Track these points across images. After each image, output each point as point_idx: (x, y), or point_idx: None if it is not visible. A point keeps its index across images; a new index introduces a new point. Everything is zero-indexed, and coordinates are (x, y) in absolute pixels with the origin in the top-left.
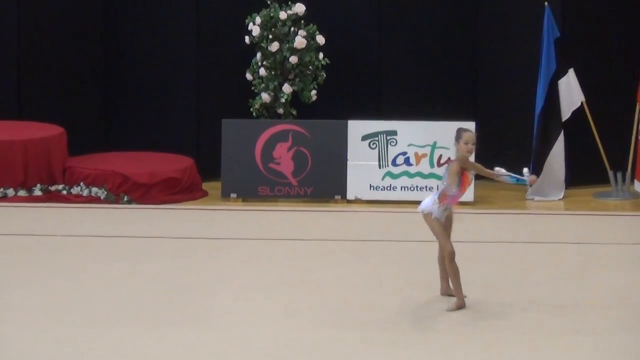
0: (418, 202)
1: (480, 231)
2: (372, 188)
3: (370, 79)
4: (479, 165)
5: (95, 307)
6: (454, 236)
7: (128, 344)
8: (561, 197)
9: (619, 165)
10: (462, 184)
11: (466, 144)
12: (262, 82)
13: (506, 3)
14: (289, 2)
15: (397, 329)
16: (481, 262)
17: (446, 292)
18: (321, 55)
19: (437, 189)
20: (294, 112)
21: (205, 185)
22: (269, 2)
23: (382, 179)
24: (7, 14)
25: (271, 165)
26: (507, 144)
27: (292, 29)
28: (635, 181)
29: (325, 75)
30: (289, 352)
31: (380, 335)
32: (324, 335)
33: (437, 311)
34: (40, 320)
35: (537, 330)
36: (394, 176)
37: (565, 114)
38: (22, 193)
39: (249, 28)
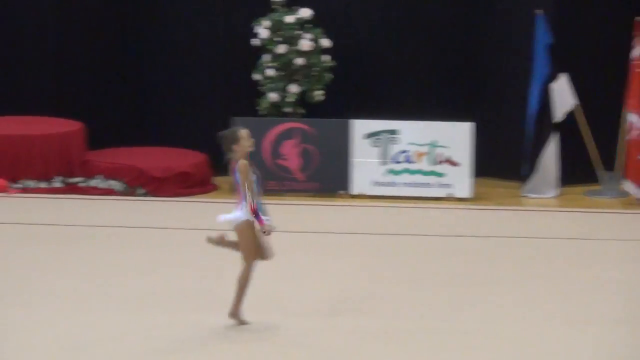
0: (419, 198)
1: (478, 226)
2: (374, 184)
3: (374, 80)
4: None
5: (124, 295)
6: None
7: (160, 329)
8: (555, 194)
9: (609, 165)
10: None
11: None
12: (270, 82)
13: (502, 12)
14: (295, 7)
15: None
16: (477, 255)
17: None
18: (327, 57)
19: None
20: (301, 111)
21: (217, 180)
22: (275, 7)
23: (385, 175)
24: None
25: (279, 161)
26: (502, 145)
27: (299, 32)
28: (625, 180)
29: (332, 76)
30: None
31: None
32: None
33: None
34: (75, 306)
35: (526, 319)
36: (395, 173)
37: (558, 116)
38: (42, 185)
39: (258, 31)
